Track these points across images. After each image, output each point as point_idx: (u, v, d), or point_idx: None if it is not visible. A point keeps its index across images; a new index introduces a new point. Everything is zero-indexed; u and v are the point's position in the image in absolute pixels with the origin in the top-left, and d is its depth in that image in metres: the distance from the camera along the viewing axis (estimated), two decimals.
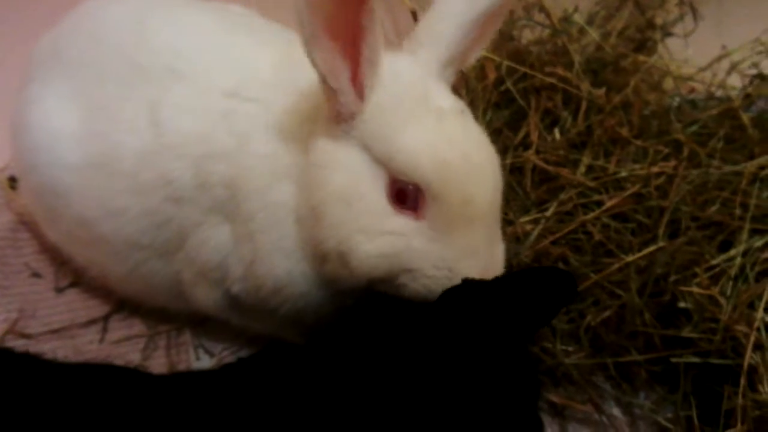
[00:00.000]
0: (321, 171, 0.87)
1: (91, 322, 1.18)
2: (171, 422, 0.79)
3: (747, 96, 1.32)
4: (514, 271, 0.90)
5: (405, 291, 0.87)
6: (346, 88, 0.83)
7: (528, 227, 1.19)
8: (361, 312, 0.88)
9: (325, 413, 0.79)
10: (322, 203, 0.86)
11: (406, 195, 0.84)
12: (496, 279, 0.85)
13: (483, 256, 0.86)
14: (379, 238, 0.85)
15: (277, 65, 0.96)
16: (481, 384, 0.81)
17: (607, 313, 1.13)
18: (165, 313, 1.17)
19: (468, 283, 0.84)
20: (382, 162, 0.84)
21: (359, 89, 0.83)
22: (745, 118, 1.27)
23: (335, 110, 0.84)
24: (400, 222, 0.84)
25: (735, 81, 1.40)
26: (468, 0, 0.89)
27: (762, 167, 1.18)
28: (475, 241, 0.85)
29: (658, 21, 1.41)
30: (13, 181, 1.32)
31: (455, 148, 0.83)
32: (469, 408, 0.80)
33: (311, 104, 0.91)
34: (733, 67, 1.36)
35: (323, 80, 0.82)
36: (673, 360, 1.10)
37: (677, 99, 1.38)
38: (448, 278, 0.85)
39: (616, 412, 1.15)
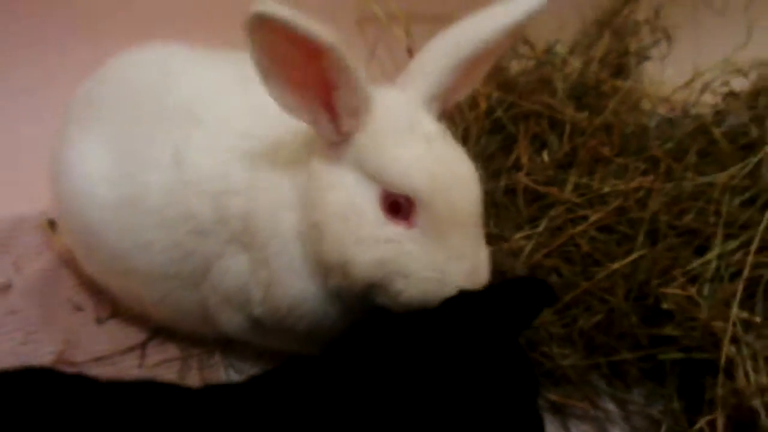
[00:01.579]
0: (319, 192, 0.96)
1: (130, 348, 1.28)
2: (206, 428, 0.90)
3: (718, 112, 1.43)
4: (502, 281, 1.01)
5: (402, 298, 0.95)
6: (324, 125, 0.94)
7: (522, 243, 1.29)
8: (371, 323, 0.98)
9: (340, 417, 0.89)
10: (322, 221, 0.96)
11: (398, 206, 0.93)
12: (487, 288, 0.96)
13: (470, 258, 0.95)
14: (375, 246, 0.94)
15: None
16: (484, 386, 0.90)
17: (597, 317, 1.22)
18: (196, 336, 1.26)
19: (463, 294, 0.95)
20: (375, 178, 0.94)
21: (340, 124, 0.94)
22: (717, 132, 1.36)
23: (322, 139, 0.97)
24: (394, 230, 0.94)
25: (709, 99, 1.51)
26: (454, 46, 0.98)
27: (733, 177, 1.27)
28: (462, 245, 0.94)
29: (633, 47, 1.52)
30: (52, 224, 1.44)
31: (441, 163, 0.94)
32: (476, 408, 0.89)
33: (309, 135, 1.01)
34: (706, 86, 1.48)
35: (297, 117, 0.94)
36: (660, 357, 1.19)
37: (655, 118, 1.49)
38: (439, 280, 0.94)
39: (611, 407, 1.24)
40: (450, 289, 0.94)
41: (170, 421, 0.89)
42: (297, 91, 0.92)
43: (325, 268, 0.98)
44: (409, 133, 0.95)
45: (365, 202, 0.94)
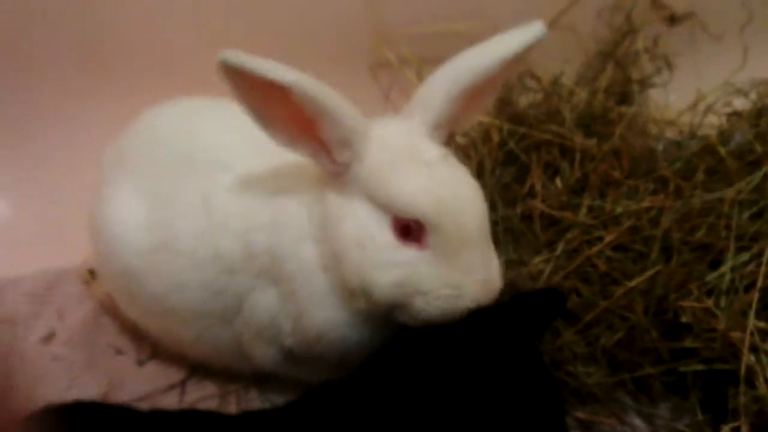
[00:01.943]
0: (335, 223, 1.02)
1: (170, 387, 1.33)
2: None
3: (723, 132, 1.48)
4: (516, 295, 1.06)
5: (423, 315, 1.00)
6: (322, 158, 1.01)
7: (541, 266, 1.34)
8: (398, 346, 1.03)
9: None
10: (340, 250, 1.02)
11: (409, 230, 0.99)
12: (503, 303, 1.01)
13: (481, 272, 1.00)
14: (391, 269, 0.99)
15: None
16: (512, 402, 0.95)
17: (619, 335, 1.26)
18: (233, 373, 1.31)
19: (481, 310, 1.00)
20: (385, 206, 0.99)
21: (334, 155, 1.00)
22: (723, 151, 1.42)
23: (326, 171, 1.03)
24: (408, 253, 0.99)
25: (714, 120, 1.56)
26: (454, 77, 1.04)
27: (740, 192, 1.32)
28: (473, 260, 1.00)
29: (636, 76, 1.59)
30: (92, 274, 1.51)
31: (445, 186, 0.99)
32: (506, 425, 0.94)
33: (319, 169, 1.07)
34: (709, 108, 1.53)
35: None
36: (682, 369, 1.22)
37: (662, 141, 1.54)
38: (456, 296, 0.99)
39: (638, 422, 1.27)
40: (466, 303, 0.99)
41: None
42: (285, 128, 1.00)
43: (349, 294, 1.04)
44: (411, 161, 1.01)
45: (378, 229, 1.00)
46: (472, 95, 1.06)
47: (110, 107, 1.54)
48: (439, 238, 0.98)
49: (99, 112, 1.66)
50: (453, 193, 1.00)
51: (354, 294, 1.03)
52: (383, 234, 1.00)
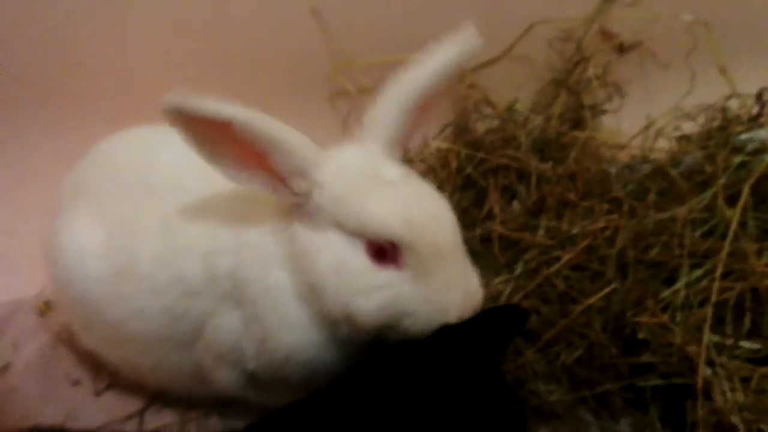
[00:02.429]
0: (308, 256, 1.02)
1: (129, 417, 1.31)
2: None
3: (673, 155, 1.53)
4: (479, 313, 1.07)
5: (410, 333, 1.01)
6: (279, 190, 1.01)
7: (501, 287, 1.36)
8: (360, 366, 1.02)
9: None
10: (318, 281, 1.01)
11: (384, 252, 0.99)
12: (466, 321, 1.02)
13: (461, 285, 1.02)
14: (372, 293, 0.99)
15: None
16: (476, 422, 0.95)
17: (578, 352, 1.27)
18: (193, 400, 1.30)
19: (446, 327, 1.01)
20: (356, 232, 0.99)
21: (292, 186, 1.01)
22: (674, 173, 1.46)
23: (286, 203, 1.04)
24: (386, 275, 0.99)
25: (664, 144, 1.62)
26: (401, 96, 1.06)
27: (691, 211, 1.35)
28: (451, 274, 1.01)
29: (588, 102, 1.64)
30: (47, 305, 1.49)
31: (414, 204, 1.00)
32: None
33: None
34: (659, 132, 1.58)
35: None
36: (640, 384, 1.24)
37: (615, 165, 1.59)
38: (440, 311, 1.00)
39: None
40: (451, 317, 1.00)
41: None
42: (238, 164, 1.00)
43: (332, 321, 1.03)
44: (374, 183, 1.02)
45: (353, 255, 1.00)
46: (420, 109, 1.08)
47: (65, 138, 1.52)
48: (415, 256, 0.99)
49: (54, 143, 1.64)
50: (422, 211, 1.01)
51: (337, 323, 1.03)
52: (359, 259, 1.00)
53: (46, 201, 1.28)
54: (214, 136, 0.98)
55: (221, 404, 1.31)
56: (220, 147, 0.99)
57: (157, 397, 1.33)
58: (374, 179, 1.03)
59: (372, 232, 0.99)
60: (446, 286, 1.00)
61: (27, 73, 1.63)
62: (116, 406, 1.33)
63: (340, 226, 1.01)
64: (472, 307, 1.03)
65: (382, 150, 1.07)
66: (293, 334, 1.07)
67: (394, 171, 1.05)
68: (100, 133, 1.30)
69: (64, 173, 1.30)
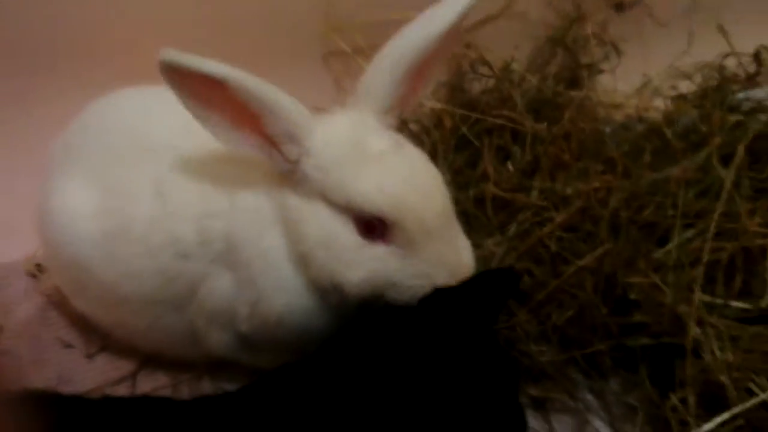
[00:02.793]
0: (297, 226, 1.02)
1: (121, 379, 1.31)
2: None
3: (669, 115, 1.51)
4: (474, 275, 1.06)
5: (396, 303, 1.02)
6: (272, 155, 1.01)
7: (494, 248, 1.35)
8: (353, 328, 1.03)
9: (326, 417, 0.93)
10: (307, 252, 1.02)
11: (373, 227, 0.99)
12: (461, 284, 1.01)
13: (450, 259, 1.02)
14: (361, 266, 1.00)
15: None
16: (465, 378, 0.95)
17: (569, 313, 1.27)
18: (185, 363, 1.29)
19: (438, 291, 1.00)
20: (343, 207, 0.99)
21: (284, 152, 1.00)
22: (669, 133, 1.44)
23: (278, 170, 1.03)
24: (374, 250, 1.00)
25: (660, 104, 1.60)
26: (396, 60, 1.04)
27: (686, 171, 1.34)
28: (440, 249, 1.00)
29: (585, 61, 1.62)
30: (39, 268, 1.48)
31: (401, 180, 0.99)
32: (459, 401, 0.94)
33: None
34: (655, 92, 1.57)
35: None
36: (630, 344, 1.23)
37: (610, 125, 1.57)
38: (427, 285, 1.00)
39: (589, 398, 1.28)
40: None
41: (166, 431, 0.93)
42: (230, 126, 1.00)
43: (322, 289, 1.04)
44: (362, 157, 1.00)
45: (341, 229, 1.00)
46: (417, 73, 1.06)
47: (58, 101, 1.50)
48: (402, 232, 0.99)
49: (46, 105, 1.62)
50: (410, 187, 0.99)
51: (326, 291, 1.04)
52: (347, 234, 1.00)
53: (38, 163, 1.27)
54: (208, 96, 0.97)
55: (213, 367, 1.31)
56: (214, 107, 0.98)
57: (149, 359, 1.33)
58: (362, 152, 1.01)
59: (358, 208, 0.99)
60: (434, 260, 1.00)
61: (18, 34, 1.61)
62: (108, 368, 1.33)
63: (328, 199, 1.00)
64: (462, 277, 1.02)
65: (374, 117, 1.06)
66: (286, 297, 1.07)
67: (384, 142, 1.03)
68: (93, 96, 1.28)
69: (53, 137, 1.29)
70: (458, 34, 1.11)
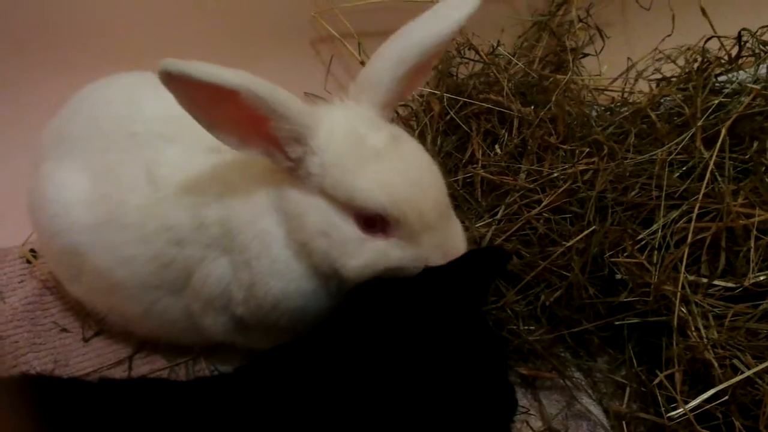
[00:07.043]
0: (298, 217, 1.04)
1: (118, 362, 1.32)
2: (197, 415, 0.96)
3: (653, 97, 1.53)
4: (463, 254, 1.08)
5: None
6: (275, 156, 1.02)
7: (483, 230, 1.38)
8: (346, 308, 1.05)
9: (321, 396, 0.95)
10: (307, 241, 1.04)
11: (373, 222, 1.02)
12: (451, 263, 1.04)
13: (445, 245, 1.05)
14: (360, 255, 1.03)
15: None
16: (456, 359, 0.97)
17: (558, 293, 1.31)
18: (181, 346, 1.31)
19: (429, 270, 1.03)
20: (345, 204, 1.01)
21: (288, 152, 1.01)
22: (653, 115, 1.47)
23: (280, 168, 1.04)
24: (375, 243, 1.03)
25: (644, 87, 1.62)
26: (399, 57, 1.05)
27: (670, 153, 1.37)
28: (437, 238, 1.04)
29: (570, 45, 1.64)
30: (33, 253, 1.49)
31: (399, 176, 1.01)
32: (449, 378, 0.96)
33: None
34: (639, 75, 1.59)
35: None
36: (617, 323, 1.27)
37: (596, 108, 1.59)
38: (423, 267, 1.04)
39: (578, 376, 1.32)
40: None
41: (163, 411, 0.95)
42: (235, 130, 1.00)
43: (323, 274, 1.06)
44: (361, 154, 1.02)
45: (342, 223, 1.02)
46: (416, 71, 1.08)
47: (48, 86, 1.50)
48: (403, 227, 1.02)
49: (36, 91, 1.62)
50: (410, 184, 1.01)
51: (328, 276, 1.06)
52: (348, 228, 1.02)
53: (28, 151, 1.27)
54: (212, 103, 0.96)
55: (209, 350, 1.33)
56: (218, 113, 0.98)
57: (145, 343, 1.35)
58: (363, 150, 1.02)
59: (359, 205, 1.01)
60: (432, 248, 1.04)
61: (7, 19, 1.60)
62: (105, 352, 1.34)
63: (330, 196, 1.02)
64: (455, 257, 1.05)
65: (374, 111, 1.07)
66: (281, 280, 1.08)
67: (380, 137, 1.04)
68: (83, 81, 1.28)
69: (44, 123, 1.28)
70: (457, 34, 1.12)
